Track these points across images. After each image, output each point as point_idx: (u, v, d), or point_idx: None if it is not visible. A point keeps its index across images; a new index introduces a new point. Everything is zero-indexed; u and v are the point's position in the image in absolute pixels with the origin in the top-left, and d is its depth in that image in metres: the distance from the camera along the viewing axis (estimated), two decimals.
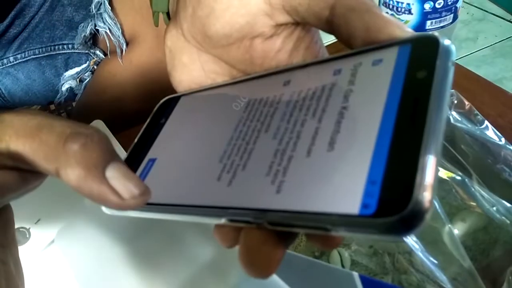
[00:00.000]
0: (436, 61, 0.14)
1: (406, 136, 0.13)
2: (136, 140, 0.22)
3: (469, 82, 0.43)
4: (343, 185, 0.13)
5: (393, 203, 0.11)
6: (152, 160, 0.20)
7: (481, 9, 1.58)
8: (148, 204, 0.18)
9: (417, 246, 0.35)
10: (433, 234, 0.35)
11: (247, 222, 0.15)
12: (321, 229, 0.13)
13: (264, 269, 0.14)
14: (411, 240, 0.35)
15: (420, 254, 0.34)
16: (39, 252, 0.29)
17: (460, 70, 0.45)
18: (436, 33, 0.15)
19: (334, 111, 0.15)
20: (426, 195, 0.11)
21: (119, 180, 0.15)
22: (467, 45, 1.42)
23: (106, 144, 0.15)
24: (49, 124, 0.15)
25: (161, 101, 0.24)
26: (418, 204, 0.11)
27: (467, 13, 1.57)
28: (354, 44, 0.17)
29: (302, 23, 0.20)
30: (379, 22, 0.16)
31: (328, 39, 0.22)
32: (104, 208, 0.19)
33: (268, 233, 0.15)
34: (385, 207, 0.12)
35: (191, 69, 0.23)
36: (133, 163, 0.21)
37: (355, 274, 0.23)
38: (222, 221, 0.15)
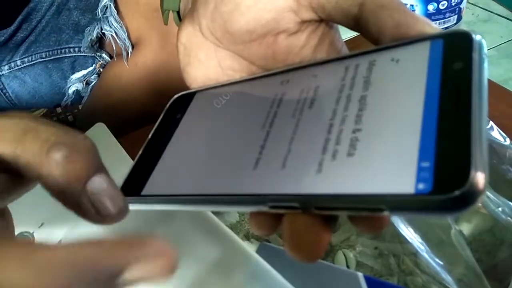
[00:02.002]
0: (471, 53, 0.15)
1: (453, 119, 0.13)
2: (150, 135, 0.22)
3: None
4: (396, 166, 0.13)
5: (450, 182, 0.12)
6: (173, 154, 0.21)
7: (487, 10, 1.58)
8: (180, 195, 0.18)
9: (422, 248, 0.35)
10: (439, 235, 0.35)
11: (292, 207, 0.15)
12: (374, 210, 0.13)
13: (314, 252, 0.15)
14: (416, 242, 0.35)
15: (426, 256, 0.34)
16: None
17: None
18: (466, 29, 0.16)
19: (377, 98, 0.16)
20: (482, 174, 0.12)
21: (99, 196, 0.14)
22: None
23: (92, 154, 0.15)
24: (34, 129, 0.14)
25: (174, 97, 0.24)
26: (475, 183, 0.12)
27: (472, 14, 1.57)
28: (383, 40, 0.18)
29: (326, 20, 0.20)
30: (409, 19, 0.17)
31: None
32: None
33: (314, 217, 0.15)
34: (441, 186, 0.12)
35: (207, 66, 0.23)
36: (150, 157, 0.21)
37: (360, 275, 0.23)
38: (264, 208, 0.16)
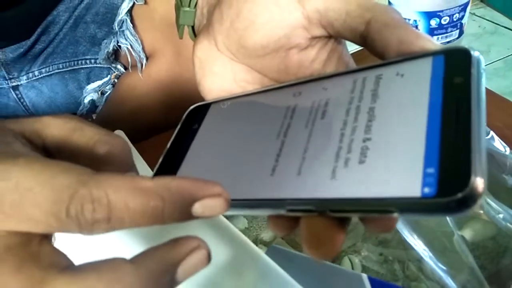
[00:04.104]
0: (470, 68, 0.16)
1: (454, 128, 0.15)
2: (168, 145, 0.24)
3: None
4: (403, 172, 0.15)
5: (452, 186, 0.13)
6: (193, 161, 0.22)
7: (493, 23, 1.59)
8: None
9: (426, 254, 0.36)
10: (443, 242, 0.36)
11: (308, 211, 0.16)
12: (384, 212, 0.15)
13: (330, 251, 0.16)
14: (420, 248, 0.36)
15: (430, 262, 0.35)
16: None
17: None
18: (465, 46, 0.17)
19: (385, 110, 0.17)
20: (481, 178, 0.13)
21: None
22: None
23: (127, 151, 0.17)
24: (81, 128, 0.17)
25: (190, 108, 0.26)
26: (475, 187, 0.13)
27: (479, 26, 1.58)
28: (388, 55, 0.19)
29: (335, 36, 0.22)
30: (411, 36, 0.18)
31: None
32: None
33: (330, 219, 0.16)
34: (445, 190, 0.13)
35: (222, 78, 0.24)
36: (169, 167, 0.22)
37: (364, 276, 0.24)
38: (282, 211, 0.17)
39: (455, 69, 0.16)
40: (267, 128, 0.20)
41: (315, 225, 0.16)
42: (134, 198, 0.14)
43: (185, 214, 0.15)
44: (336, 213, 0.16)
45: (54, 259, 0.14)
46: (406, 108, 0.17)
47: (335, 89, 0.20)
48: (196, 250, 0.15)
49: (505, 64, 1.38)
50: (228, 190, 0.19)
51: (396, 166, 0.15)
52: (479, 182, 0.13)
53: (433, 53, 0.18)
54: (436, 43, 0.18)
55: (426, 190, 0.14)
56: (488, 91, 0.46)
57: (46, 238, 0.15)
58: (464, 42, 1.49)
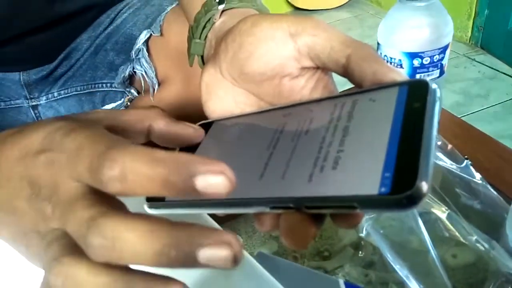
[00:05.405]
0: (427, 96, 0.19)
1: (409, 144, 0.18)
2: None
3: (462, 130, 0.48)
4: (366, 176, 0.18)
5: (402, 186, 0.16)
6: None
7: (492, 68, 1.64)
8: (198, 200, 0.22)
9: (409, 277, 0.38)
10: (425, 266, 0.38)
11: (288, 208, 0.19)
12: (349, 208, 0.18)
13: (303, 241, 0.19)
14: (403, 271, 0.38)
15: (412, 285, 0.37)
16: None
17: (453, 119, 0.50)
18: (426, 78, 0.20)
19: (357, 128, 0.21)
20: (425, 182, 0.16)
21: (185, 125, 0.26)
22: (478, 101, 1.46)
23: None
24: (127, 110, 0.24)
25: (196, 125, 0.29)
26: (419, 187, 0.16)
27: (479, 71, 1.63)
28: (364, 84, 0.22)
29: (322, 67, 0.25)
30: (384, 69, 0.22)
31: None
32: (147, 208, 0.23)
33: (305, 215, 0.19)
34: (396, 189, 0.17)
35: (224, 100, 0.28)
36: None
37: (341, 281, 0.27)
38: (266, 209, 0.20)
39: (415, 96, 0.20)
40: (260, 141, 0.24)
41: (292, 219, 0.19)
42: (144, 164, 0.16)
43: (188, 185, 0.16)
44: (311, 209, 0.19)
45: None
46: (373, 126, 0.20)
47: (318, 111, 0.24)
48: (223, 246, 0.15)
49: (504, 108, 1.41)
50: None
51: (361, 171, 0.18)
52: (423, 184, 0.16)
53: (400, 84, 0.21)
54: (403, 75, 0.22)
55: (383, 189, 0.17)
56: (474, 129, 0.49)
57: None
58: (464, 86, 1.53)
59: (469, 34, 1.82)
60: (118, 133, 0.22)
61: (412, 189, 0.16)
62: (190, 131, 0.26)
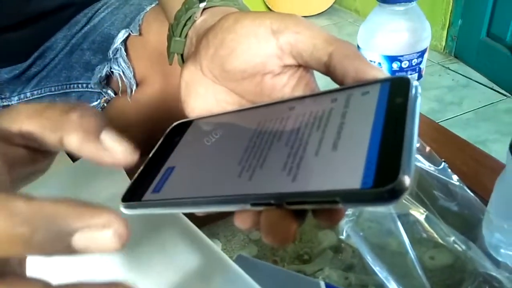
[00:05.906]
0: (409, 92, 0.19)
1: (391, 138, 0.18)
2: (151, 154, 0.26)
3: (439, 135, 0.49)
4: (349, 170, 0.18)
5: (384, 180, 0.16)
6: (172, 167, 0.24)
7: (466, 77, 1.69)
8: (176, 199, 0.22)
9: (388, 279, 0.38)
10: (404, 268, 0.38)
11: (269, 204, 0.19)
12: (331, 202, 0.17)
13: (284, 238, 0.18)
14: (383, 273, 0.38)
15: (392, 286, 0.37)
16: None
17: (432, 124, 0.51)
18: (407, 75, 0.21)
19: (334, 125, 0.20)
20: (407, 176, 0.16)
21: (111, 142, 0.18)
22: (452, 108, 1.50)
23: (100, 116, 0.18)
24: (52, 105, 0.18)
25: (173, 124, 0.28)
26: (401, 181, 0.16)
27: (453, 79, 1.68)
28: (346, 81, 0.22)
29: (304, 65, 0.25)
30: (365, 66, 0.22)
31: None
32: (122, 209, 0.22)
33: (286, 211, 0.19)
34: (378, 183, 0.16)
35: (205, 98, 0.27)
36: (151, 171, 0.25)
37: (322, 283, 0.26)
38: (246, 206, 0.19)
39: (397, 92, 0.20)
40: (241, 139, 0.23)
41: (273, 216, 0.19)
42: (0, 221, 0.12)
43: (62, 246, 0.13)
44: (292, 205, 0.18)
45: None
46: (355, 121, 0.20)
47: (300, 108, 0.23)
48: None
49: (476, 115, 1.46)
50: (203, 190, 0.22)
51: (343, 165, 0.18)
52: (406, 178, 0.16)
53: (382, 80, 0.21)
54: (385, 73, 0.22)
55: (365, 183, 0.17)
56: (452, 134, 0.50)
57: None
58: (438, 94, 1.56)
59: (443, 43, 1.87)
60: (30, 140, 0.18)
61: (395, 183, 0.16)
62: (117, 153, 0.18)
